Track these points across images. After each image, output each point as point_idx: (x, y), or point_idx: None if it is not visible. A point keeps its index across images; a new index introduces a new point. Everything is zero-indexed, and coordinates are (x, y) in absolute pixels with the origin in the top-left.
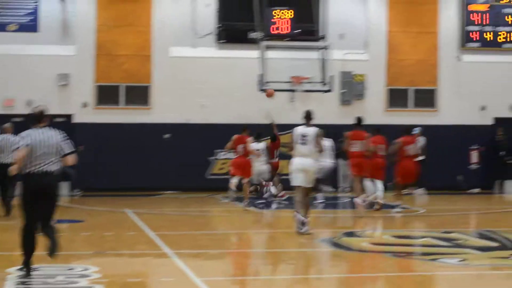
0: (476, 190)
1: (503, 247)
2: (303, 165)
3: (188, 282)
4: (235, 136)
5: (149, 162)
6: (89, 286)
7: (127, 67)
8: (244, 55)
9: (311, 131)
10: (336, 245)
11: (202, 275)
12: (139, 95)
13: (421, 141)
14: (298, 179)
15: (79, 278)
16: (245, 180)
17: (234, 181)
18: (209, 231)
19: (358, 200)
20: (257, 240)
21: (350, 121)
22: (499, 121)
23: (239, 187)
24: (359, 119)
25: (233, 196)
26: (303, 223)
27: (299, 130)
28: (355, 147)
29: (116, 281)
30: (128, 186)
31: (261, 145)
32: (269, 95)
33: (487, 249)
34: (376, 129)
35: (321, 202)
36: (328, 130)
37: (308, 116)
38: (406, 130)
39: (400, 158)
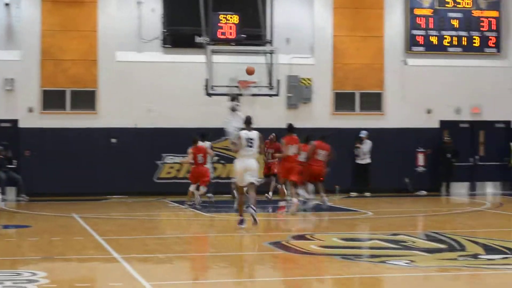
0: (423, 192)
1: (450, 249)
2: (248, 165)
3: (136, 287)
4: (190, 149)
5: (96, 166)
6: None
7: (73, 72)
8: (191, 60)
9: (255, 134)
10: (285, 247)
11: (150, 280)
12: (85, 99)
13: (368, 144)
14: (246, 178)
15: (27, 284)
16: (202, 188)
17: (192, 188)
18: (157, 235)
19: (294, 200)
20: (205, 244)
21: (297, 125)
22: (445, 124)
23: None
24: (291, 125)
25: (199, 200)
26: (242, 221)
27: (244, 134)
28: (290, 151)
29: (64, 286)
30: (75, 191)
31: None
32: (250, 72)
33: (434, 250)
34: (322, 136)
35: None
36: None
37: (248, 121)
38: (322, 136)
39: (311, 161)
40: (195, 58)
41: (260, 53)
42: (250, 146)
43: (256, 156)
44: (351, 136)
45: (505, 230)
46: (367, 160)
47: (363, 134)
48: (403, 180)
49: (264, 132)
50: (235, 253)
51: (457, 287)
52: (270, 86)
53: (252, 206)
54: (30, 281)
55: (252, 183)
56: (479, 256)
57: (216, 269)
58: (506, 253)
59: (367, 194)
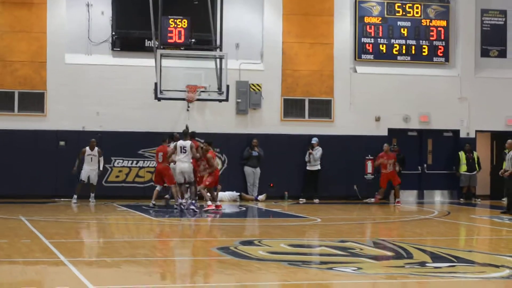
0: (372, 200)
1: (397, 256)
2: (183, 168)
3: None
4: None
5: (44, 169)
6: None
7: (22, 73)
8: (140, 63)
9: (188, 143)
10: (233, 253)
11: (97, 283)
12: (34, 101)
13: (319, 151)
14: (181, 178)
15: None
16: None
17: (157, 189)
18: (105, 239)
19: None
20: (153, 248)
21: (246, 130)
22: (393, 132)
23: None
24: (185, 131)
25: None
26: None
27: (180, 143)
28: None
29: None
30: (22, 193)
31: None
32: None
33: (382, 258)
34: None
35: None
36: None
37: (185, 133)
38: (169, 137)
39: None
40: (144, 62)
41: (210, 58)
42: (184, 152)
43: (189, 161)
44: (300, 142)
45: (452, 238)
46: (317, 166)
47: (314, 140)
48: (352, 187)
49: (214, 138)
50: (183, 258)
51: None
52: (220, 92)
53: (191, 201)
54: None
55: (181, 184)
56: (426, 264)
57: (163, 274)
58: (453, 261)
59: (316, 200)
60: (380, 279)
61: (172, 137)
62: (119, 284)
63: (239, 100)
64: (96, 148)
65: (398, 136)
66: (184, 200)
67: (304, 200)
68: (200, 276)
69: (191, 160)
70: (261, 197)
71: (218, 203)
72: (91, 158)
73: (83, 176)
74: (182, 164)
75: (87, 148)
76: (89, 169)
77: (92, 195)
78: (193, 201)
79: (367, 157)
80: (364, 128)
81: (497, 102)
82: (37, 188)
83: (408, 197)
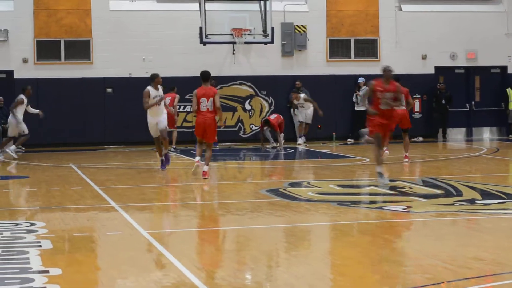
0: (420, 138)
1: (446, 194)
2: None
3: (135, 236)
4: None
5: (92, 116)
6: (37, 241)
7: (67, 21)
8: (184, 8)
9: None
10: (282, 195)
11: (148, 228)
12: (80, 49)
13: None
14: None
15: (26, 234)
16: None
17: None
18: (154, 184)
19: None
20: (202, 193)
21: (292, 72)
22: (440, 70)
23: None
24: (205, 74)
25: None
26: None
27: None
28: (203, 105)
29: (63, 236)
30: (71, 141)
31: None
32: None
33: (431, 196)
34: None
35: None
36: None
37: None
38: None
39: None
40: (189, 7)
41: (254, 1)
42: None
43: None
44: (347, 83)
45: (502, 175)
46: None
47: (361, 80)
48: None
49: (261, 80)
50: (232, 201)
51: (454, 232)
52: (265, 34)
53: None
54: (29, 231)
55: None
56: (476, 201)
57: (215, 217)
58: (503, 198)
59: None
60: (430, 217)
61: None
62: (170, 228)
63: (284, 42)
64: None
65: (445, 74)
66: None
67: (352, 141)
68: (251, 218)
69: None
70: (300, 140)
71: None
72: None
73: None
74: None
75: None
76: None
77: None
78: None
79: (414, 96)
80: (411, 67)
81: None
82: (86, 135)
83: (457, 134)
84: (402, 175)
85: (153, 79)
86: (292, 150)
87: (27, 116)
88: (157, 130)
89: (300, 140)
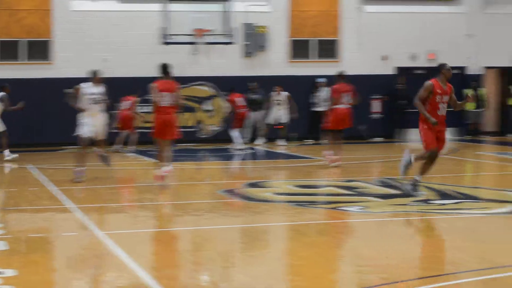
0: (378, 139)
1: (403, 194)
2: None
3: (91, 236)
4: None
5: (51, 117)
6: None
7: (28, 22)
8: (146, 8)
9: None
10: (240, 195)
11: (104, 229)
12: (40, 50)
13: (325, 91)
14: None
15: None
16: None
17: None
18: (111, 185)
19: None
20: (160, 193)
21: (253, 73)
22: (401, 70)
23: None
24: (166, 67)
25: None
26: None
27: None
28: (164, 100)
29: (20, 237)
30: (31, 141)
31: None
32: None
33: (387, 196)
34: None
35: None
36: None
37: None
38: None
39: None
40: (150, 7)
41: (216, 1)
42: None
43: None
44: (308, 83)
45: (459, 175)
46: (323, 107)
47: (320, 80)
48: (358, 127)
49: (220, 80)
50: (188, 201)
51: (409, 231)
52: (226, 34)
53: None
54: None
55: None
56: (432, 201)
57: (172, 218)
58: (458, 198)
59: (323, 141)
60: (386, 217)
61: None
62: (126, 229)
63: (245, 43)
64: None
65: (406, 75)
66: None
67: (311, 141)
68: (207, 219)
69: None
70: (259, 141)
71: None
72: None
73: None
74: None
75: None
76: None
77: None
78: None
79: (373, 97)
80: (372, 68)
81: (505, 38)
82: (44, 136)
83: (415, 135)
84: (360, 176)
85: (93, 76)
86: (252, 151)
87: None
88: (94, 131)
89: (260, 141)
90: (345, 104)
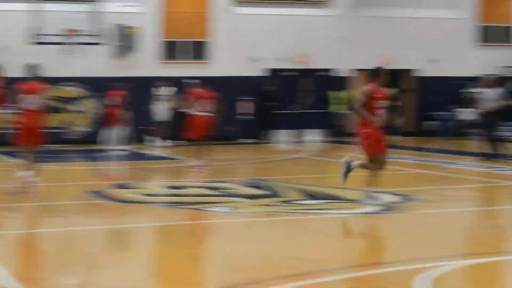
0: (247, 140)
1: (269, 195)
2: None
3: None
4: None
5: None
6: None
7: None
8: (16, 8)
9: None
10: (106, 197)
11: None
12: None
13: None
14: None
15: None
16: None
17: None
18: None
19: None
20: (24, 194)
21: (124, 74)
22: (271, 72)
23: None
24: (33, 67)
25: None
26: None
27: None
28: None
29: None
30: None
31: None
32: None
33: (254, 197)
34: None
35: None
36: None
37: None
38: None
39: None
40: (19, 7)
41: (87, 2)
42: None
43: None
44: (179, 85)
45: (324, 176)
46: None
47: (188, 82)
48: (227, 128)
49: (90, 81)
50: (56, 202)
51: (275, 232)
52: (96, 35)
53: None
54: None
55: None
56: (296, 202)
57: (37, 219)
58: (322, 198)
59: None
60: (252, 217)
61: None
62: None
63: (117, 44)
64: None
65: (276, 76)
66: None
67: (181, 143)
68: (73, 221)
69: None
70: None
71: None
72: None
73: None
74: None
75: None
76: None
77: None
78: None
79: (242, 98)
80: (242, 69)
81: (375, 41)
82: None
83: (284, 136)
84: (227, 176)
85: None
86: (117, 152)
87: None
88: None
89: (158, 143)
90: (205, 111)
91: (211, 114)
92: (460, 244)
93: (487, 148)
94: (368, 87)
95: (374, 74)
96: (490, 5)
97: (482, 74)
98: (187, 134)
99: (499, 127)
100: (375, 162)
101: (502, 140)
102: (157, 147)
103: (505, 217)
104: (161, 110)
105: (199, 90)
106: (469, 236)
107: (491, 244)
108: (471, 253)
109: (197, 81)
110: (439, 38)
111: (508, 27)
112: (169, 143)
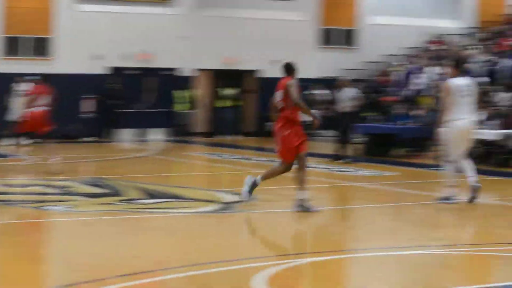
0: (89, 138)
1: (110, 194)
2: None
3: None
4: None
5: None
6: None
7: None
8: None
9: None
10: None
11: None
12: None
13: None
14: None
15: None
16: None
17: None
18: None
19: None
20: None
21: None
22: (113, 70)
23: None
24: None
25: None
26: None
27: None
28: None
29: None
30: None
31: None
32: None
33: (95, 195)
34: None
35: None
36: None
37: None
38: None
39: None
40: None
41: None
42: None
43: None
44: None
45: (167, 175)
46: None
47: (28, 78)
48: (69, 126)
49: None
50: None
51: (115, 230)
52: None
53: None
54: None
55: None
56: (138, 200)
57: None
58: (165, 197)
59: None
60: (92, 216)
61: None
62: None
63: None
64: None
65: (119, 75)
66: None
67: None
68: None
69: None
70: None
71: None
72: None
73: None
74: None
75: None
76: None
77: None
78: None
79: (84, 96)
80: (85, 67)
81: (217, 41)
82: None
83: (127, 135)
84: (68, 175)
85: None
86: None
87: None
88: None
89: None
90: (40, 106)
91: (46, 109)
92: (298, 243)
93: (337, 149)
94: (293, 81)
95: (289, 69)
96: (332, 8)
97: (325, 76)
98: (22, 128)
99: (351, 128)
100: (287, 166)
101: (350, 141)
102: (23, 145)
103: (346, 216)
104: (20, 106)
105: (37, 86)
106: (308, 234)
107: (331, 243)
108: (310, 251)
109: (38, 77)
110: (282, 40)
111: (349, 30)
112: (25, 140)
